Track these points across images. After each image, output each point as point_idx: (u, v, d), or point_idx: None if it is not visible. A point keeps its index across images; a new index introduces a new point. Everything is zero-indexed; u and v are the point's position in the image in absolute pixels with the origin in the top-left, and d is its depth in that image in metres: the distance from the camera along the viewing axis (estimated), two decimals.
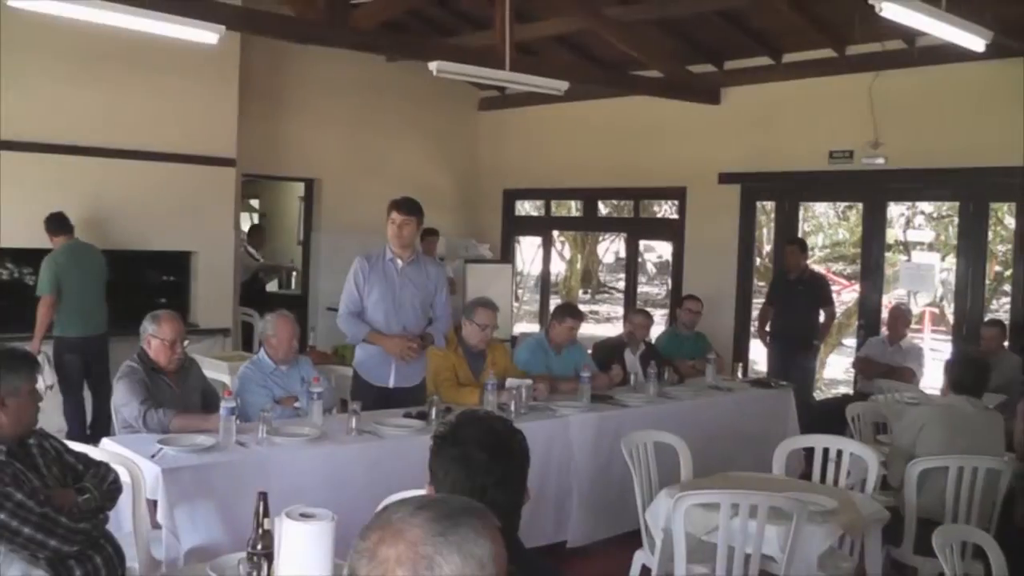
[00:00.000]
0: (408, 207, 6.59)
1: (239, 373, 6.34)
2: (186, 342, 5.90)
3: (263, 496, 3.33)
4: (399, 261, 6.65)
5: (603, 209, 14.27)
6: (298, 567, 3.05)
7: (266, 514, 3.31)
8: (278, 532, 3.13)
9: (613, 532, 6.78)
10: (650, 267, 20.62)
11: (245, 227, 14.36)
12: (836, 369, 15.21)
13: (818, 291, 10.22)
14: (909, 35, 9.13)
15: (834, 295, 11.42)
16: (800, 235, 11.67)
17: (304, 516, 3.11)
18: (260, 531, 3.30)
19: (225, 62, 10.28)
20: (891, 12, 6.32)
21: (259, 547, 3.29)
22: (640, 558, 5.46)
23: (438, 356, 6.79)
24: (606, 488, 6.72)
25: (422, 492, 2.68)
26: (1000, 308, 11.04)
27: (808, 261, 10.72)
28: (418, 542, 1.68)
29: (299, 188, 13.20)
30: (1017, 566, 4.54)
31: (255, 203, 15.52)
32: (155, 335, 5.65)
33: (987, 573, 4.27)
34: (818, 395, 11.63)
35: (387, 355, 6.59)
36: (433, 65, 7.94)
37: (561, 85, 8.81)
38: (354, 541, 1.74)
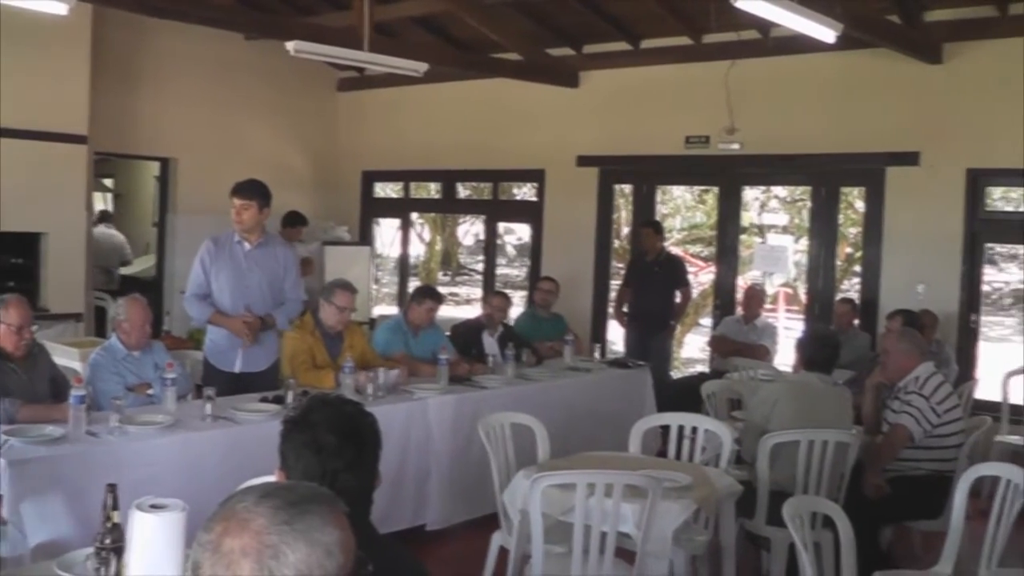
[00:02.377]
0: (246, 191, 6.48)
1: (90, 360, 6.15)
2: (34, 327, 5.72)
3: (112, 488, 3.23)
4: (246, 244, 6.55)
5: (462, 191, 14.27)
6: (148, 560, 2.95)
7: (115, 507, 3.21)
8: (128, 525, 3.05)
9: (473, 515, 6.80)
10: (510, 249, 20.70)
11: (99, 207, 14.00)
12: (692, 348, 15.49)
13: (674, 272, 10.38)
14: (764, 26, 9.33)
15: (691, 276, 11.64)
16: (658, 218, 11.84)
17: (155, 507, 3.00)
18: (109, 524, 3.20)
19: (76, 35, 9.97)
20: (746, 3, 6.45)
21: (108, 541, 3.18)
22: (498, 540, 5.47)
23: (294, 339, 6.71)
24: (465, 471, 6.74)
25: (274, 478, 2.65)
26: (851, 288, 11.37)
27: (665, 243, 10.90)
28: (263, 531, 1.65)
29: (155, 168, 12.87)
30: (863, 533, 4.73)
31: (109, 183, 15.07)
32: (1, 320, 5.46)
33: (836, 540, 4.43)
34: (675, 374, 11.83)
35: (233, 341, 6.51)
36: (291, 45, 7.83)
37: (420, 67, 8.78)
38: (197, 533, 1.71)
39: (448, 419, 6.73)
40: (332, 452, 2.60)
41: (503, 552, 5.35)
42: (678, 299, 10.39)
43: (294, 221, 11.14)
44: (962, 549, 5.14)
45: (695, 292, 13.00)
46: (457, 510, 6.84)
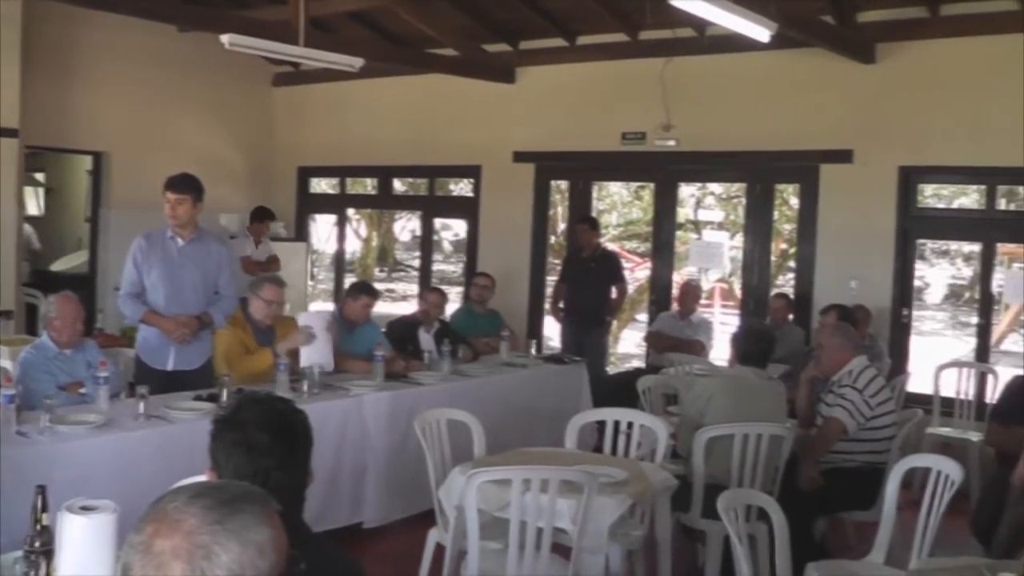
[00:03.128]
0: (179, 185, 6.38)
1: (20, 358, 6.03)
2: None
3: (41, 489, 3.17)
4: (179, 240, 6.45)
5: (399, 187, 14.22)
6: (78, 563, 2.89)
7: (44, 509, 3.14)
8: (58, 527, 2.99)
9: (410, 511, 6.76)
10: (446, 245, 20.66)
11: (31, 203, 13.77)
12: (629, 344, 15.55)
13: (609, 268, 10.40)
14: (699, 24, 9.39)
15: (627, 272, 11.70)
16: (594, 214, 11.88)
17: (85, 509, 2.94)
18: (38, 527, 3.13)
19: (7, 27, 9.79)
20: (681, 1, 6.50)
21: (37, 544, 3.11)
22: (434, 536, 5.45)
23: (226, 335, 6.64)
24: (401, 467, 6.71)
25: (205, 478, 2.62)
26: (786, 283, 11.50)
27: (601, 239, 10.94)
28: (194, 532, 1.62)
29: (87, 162, 12.68)
30: (798, 524, 4.79)
31: (40, 177, 14.82)
32: None
33: (770, 532, 4.47)
34: (611, 369, 11.87)
35: (166, 338, 6.40)
36: (225, 38, 7.75)
37: (355, 62, 8.73)
38: (128, 535, 1.68)
39: (384, 416, 6.69)
40: (263, 451, 2.57)
41: (440, 549, 5.33)
42: (614, 295, 10.43)
43: (262, 216, 11.11)
44: (894, 539, 5.23)
45: (631, 288, 13.06)
46: (394, 507, 6.80)
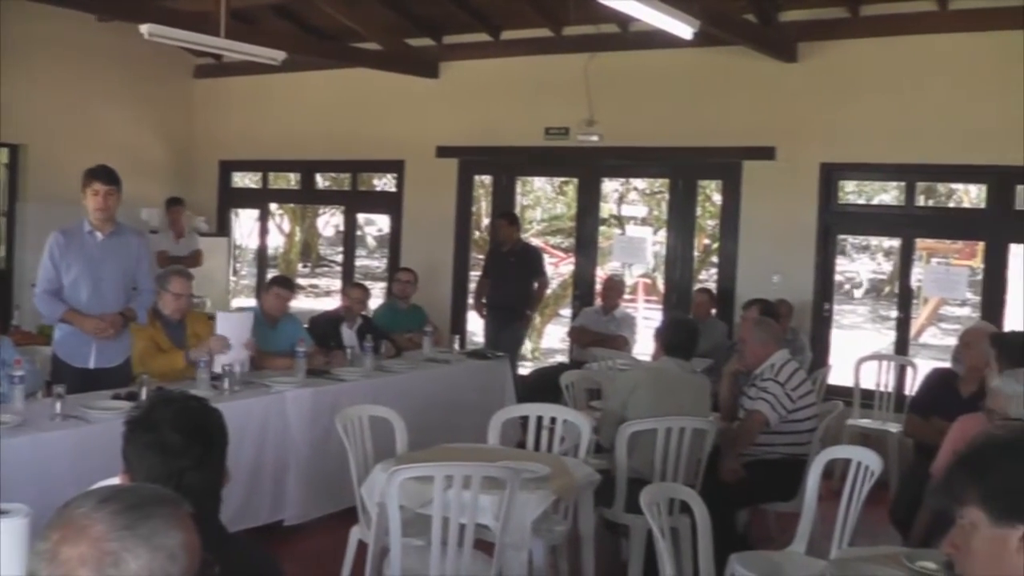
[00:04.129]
0: (109, 176, 6.24)
1: None
2: None
3: None
4: (99, 234, 6.31)
5: (322, 182, 14.07)
6: None
7: None
8: None
9: (332, 509, 6.69)
10: (370, 240, 20.56)
11: None
12: (553, 339, 15.56)
13: (529, 263, 10.40)
14: (623, 19, 9.42)
15: (550, 267, 11.72)
16: (518, 209, 11.88)
17: None
18: None
19: None
20: None
21: None
22: (356, 534, 5.40)
23: (139, 334, 6.50)
24: (324, 465, 6.62)
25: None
26: (709, 278, 11.59)
27: (523, 234, 10.93)
28: (102, 538, 1.57)
29: (3, 154, 12.38)
30: (720, 516, 4.83)
31: None
32: None
33: (693, 525, 4.49)
34: (535, 364, 11.88)
35: (86, 334, 6.28)
36: (144, 28, 7.63)
37: (277, 55, 8.64)
38: (33, 542, 1.63)
39: (306, 412, 6.62)
40: (177, 451, 2.51)
41: (362, 546, 5.28)
42: (536, 289, 10.43)
43: (172, 201, 11.08)
44: (815, 529, 5.30)
45: (555, 283, 13.08)
46: (316, 505, 6.73)
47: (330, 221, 21.31)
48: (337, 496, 6.56)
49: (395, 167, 12.05)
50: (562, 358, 11.89)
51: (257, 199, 14.08)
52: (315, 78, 12.09)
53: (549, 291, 12.27)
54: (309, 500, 6.68)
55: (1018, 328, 8.33)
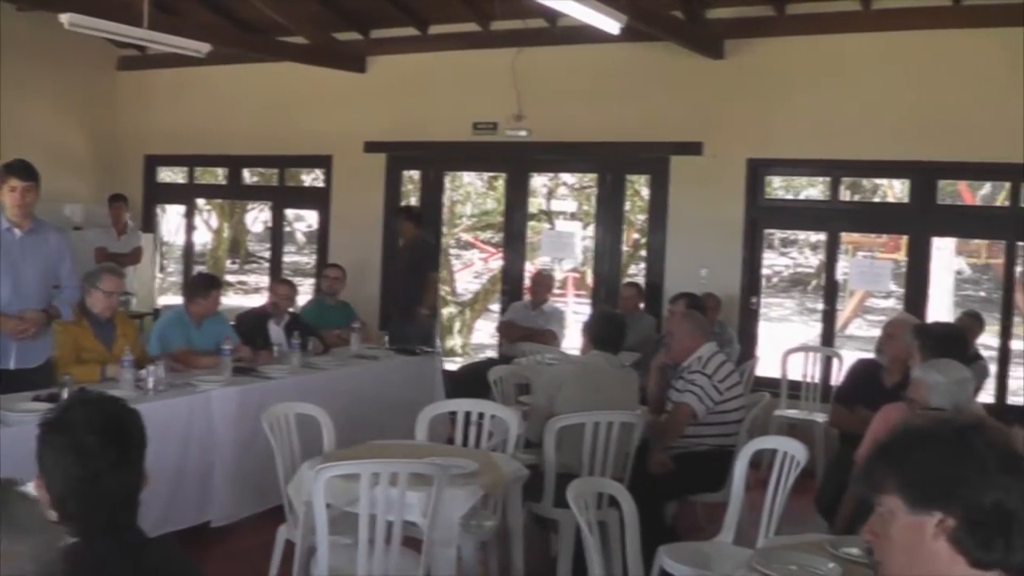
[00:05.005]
0: (29, 172, 6.09)
1: None
2: None
3: None
4: (17, 231, 6.15)
5: (249, 177, 13.93)
6: None
7: None
8: None
9: (259, 508, 6.59)
10: (299, 236, 20.42)
11: None
12: (482, 334, 15.55)
13: (420, 258, 10.11)
14: (550, 14, 9.43)
15: (480, 262, 11.69)
16: (448, 204, 11.85)
17: None
18: None
19: None
20: None
21: None
22: (284, 533, 5.33)
23: (60, 331, 6.35)
24: (251, 464, 6.51)
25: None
26: (639, 273, 11.65)
27: (455, 229, 10.89)
28: None
29: None
30: (649, 509, 4.87)
31: None
32: None
33: (622, 518, 4.50)
34: (464, 360, 11.85)
35: (5, 335, 6.12)
36: (65, 17, 7.47)
37: (202, 47, 8.52)
38: None
39: (232, 411, 6.51)
40: (94, 454, 2.44)
41: (290, 546, 5.22)
42: None
43: (119, 197, 10.95)
44: (743, 519, 5.34)
45: (485, 279, 13.06)
46: (243, 505, 6.62)
47: (259, 217, 21.13)
48: (265, 495, 6.47)
49: (323, 162, 11.94)
50: (491, 353, 11.87)
51: (183, 195, 13.90)
52: (242, 71, 11.94)
53: (479, 287, 12.22)
54: (236, 500, 6.58)
55: (941, 319, 8.51)
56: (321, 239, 12.12)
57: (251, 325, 8.21)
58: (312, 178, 13.47)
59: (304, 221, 19.72)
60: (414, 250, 10.13)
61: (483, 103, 10.50)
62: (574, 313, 13.18)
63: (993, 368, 8.63)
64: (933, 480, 1.93)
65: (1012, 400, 9.01)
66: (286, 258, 13.97)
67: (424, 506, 4.52)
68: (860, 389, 6.40)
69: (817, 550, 3.95)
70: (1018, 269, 9.17)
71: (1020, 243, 9.05)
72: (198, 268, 13.71)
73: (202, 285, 7.61)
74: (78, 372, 6.06)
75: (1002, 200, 10.26)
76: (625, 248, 11.47)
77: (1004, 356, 8.96)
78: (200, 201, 14.72)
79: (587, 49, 9.79)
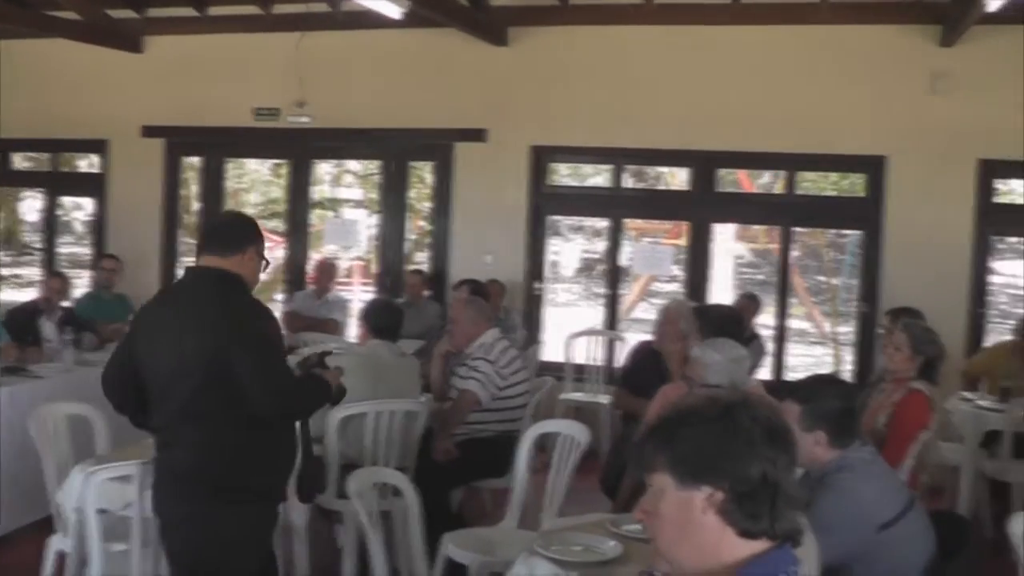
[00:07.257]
0: None
1: None
2: None
3: None
4: None
5: (21, 162, 13.25)
6: None
7: None
8: None
9: (35, 517, 6.25)
10: (78, 226, 19.61)
11: None
12: None
13: None
14: None
15: (266, 252, 11.42)
16: (231, 192, 11.56)
17: None
18: None
19: None
20: None
21: None
22: (55, 543, 5.05)
23: None
24: (23, 470, 6.15)
25: None
26: (426, 260, 11.62)
27: None
28: None
29: None
30: (434, 496, 4.94)
31: None
32: None
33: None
34: None
35: None
36: None
37: None
38: None
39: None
40: None
41: (62, 556, 4.96)
42: None
43: None
44: (529, 503, 5.41)
45: (270, 268, 12.79)
46: (13, 516, 6.31)
47: (35, 205, 20.20)
48: (41, 504, 6.13)
49: (99, 147, 11.38)
50: None
51: None
52: (9, 47, 11.24)
53: (265, 276, 11.94)
54: (5, 511, 6.25)
55: (721, 302, 8.82)
56: (98, 228, 11.59)
57: (21, 321, 7.80)
58: (88, 164, 12.89)
59: (83, 210, 18.95)
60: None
61: (265, 88, 10.28)
62: (361, 302, 13.06)
63: (771, 346, 9.01)
64: (701, 456, 1.99)
65: (789, 377, 9.37)
66: (63, 249, 13.32)
67: None
68: (641, 371, 6.53)
69: (599, 529, 4.03)
70: (794, 253, 9.56)
71: (795, 228, 9.51)
72: None
73: None
74: None
75: (780, 188, 10.67)
76: (412, 236, 11.44)
77: (781, 335, 9.38)
78: None
79: (370, 34, 9.71)
